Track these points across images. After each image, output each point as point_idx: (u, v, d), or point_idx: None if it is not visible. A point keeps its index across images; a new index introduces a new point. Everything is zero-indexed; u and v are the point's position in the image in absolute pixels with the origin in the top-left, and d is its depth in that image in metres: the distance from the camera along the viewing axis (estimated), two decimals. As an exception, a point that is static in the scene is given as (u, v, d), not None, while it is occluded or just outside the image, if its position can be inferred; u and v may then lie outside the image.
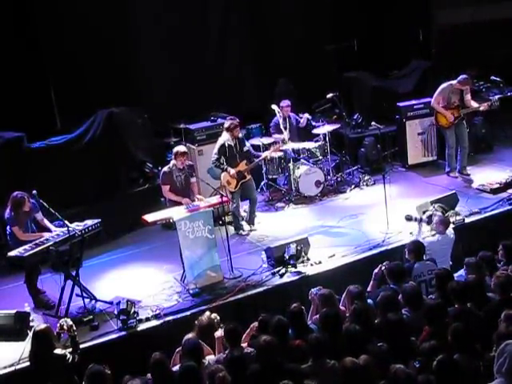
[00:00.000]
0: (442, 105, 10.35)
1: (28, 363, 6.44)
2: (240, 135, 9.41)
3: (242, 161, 9.33)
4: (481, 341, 5.41)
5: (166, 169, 8.66)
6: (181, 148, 8.70)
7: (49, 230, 7.79)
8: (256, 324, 6.38)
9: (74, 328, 6.42)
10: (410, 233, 8.41)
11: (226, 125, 9.36)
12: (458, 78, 10.20)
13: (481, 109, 10.35)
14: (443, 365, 5.02)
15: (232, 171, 9.19)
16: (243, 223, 9.55)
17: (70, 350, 6.34)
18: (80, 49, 10.49)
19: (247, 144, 9.68)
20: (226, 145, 9.18)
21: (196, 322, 6.61)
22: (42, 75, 10.46)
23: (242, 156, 9.36)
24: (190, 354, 5.78)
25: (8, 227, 7.77)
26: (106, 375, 5.61)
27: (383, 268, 7.09)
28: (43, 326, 6.38)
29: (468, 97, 10.35)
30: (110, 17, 10.70)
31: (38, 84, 10.40)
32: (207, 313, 6.70)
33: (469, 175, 10.36)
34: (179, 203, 8.35)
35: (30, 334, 6.44)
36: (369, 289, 7.06)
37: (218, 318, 6.65)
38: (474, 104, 10.36)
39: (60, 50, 10.45)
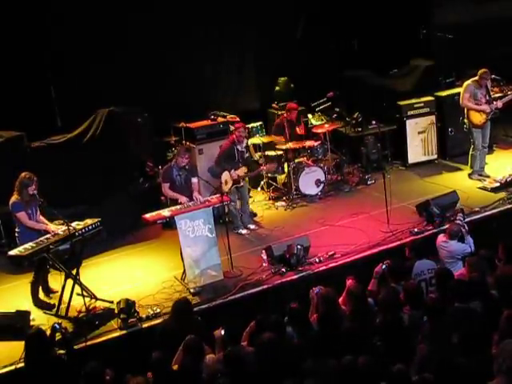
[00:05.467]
0: (472, 102, 10.12)
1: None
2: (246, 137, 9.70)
3: (242, 166, 9.50)
4: (481, 339, 5.40)
5: (166, 166, 8.70)
6: (184, 146, 8.77)
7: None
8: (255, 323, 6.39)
9: (68, 329, 6.46)
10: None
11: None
12: (479, 72, 10.03)
13: (499, 106, 10.15)
14: (443, 364, 5.03)
15: (234, 173, 9.35)
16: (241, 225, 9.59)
17: (64, 351, 6.37)
18: (80, 47, 10.47)
19: (248, 152, 9.83)
20: (235, 150, 9.40)
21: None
22: (43, 74, 10.44)
23: (244, 162, 9.54)
24: (190, 353, 5.79)
25: (16, 223, 7.69)
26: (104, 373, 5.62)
27: (384, 267, 7.09)
28: (35, 329, 6.40)
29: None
30: (111, 16, 10.68)
31: (38, 83, 10.39)
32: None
33: (489, 176, 10.20)
34: (177, 201, 8.31)
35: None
36: (370, 287, 7.06)
37: None
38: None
39: (60, 48, 10.43)
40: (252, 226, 9.59)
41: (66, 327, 6.86)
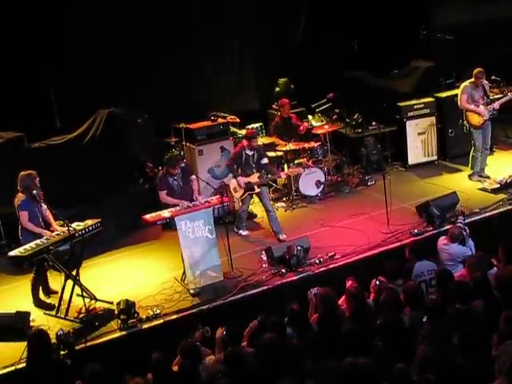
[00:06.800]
0: (470, 103, 10.12)
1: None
2: (259, 145, 9.42)
3: (256, 172, 9.27)
4: (482, 340, 5.40)
5: (160, 174, 8.54)
6: (172, 159, 8.49)
7: (50, 225, 7.82)
8: (255, 323, 6.39)
9: (70, 333, 6.59)
10: None
11: (244, 132, 9.54)
12: (474, 72, 10.05)
13: (495, 107, 10.12)
14: (444, 365, 5.03)
15: (241, 180, 9.19)
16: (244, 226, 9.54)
17: (66, 352, 6.40)
18: (80, 48, 10.46)
19: (266, 158, 9.48)
20: (244, 154, 9.21)
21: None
22: (42, 74, 10.43)
23: (258, 168, 9.30)
24: (187, 355, 5.80)
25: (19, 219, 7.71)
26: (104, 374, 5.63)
27: (377, 282, 7.03)
28: (36, 329, 6.41)
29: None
30: (111, 16, 10.67)
31: (37, 83, 10.38)
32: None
33: (489, 177, 10.21)
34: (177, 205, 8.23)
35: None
36: (371, 299, 7.00)
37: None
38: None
39: (60, 49, 10.43)
40: (282, 236, 9.09)
41: (69, 331, 6.88)
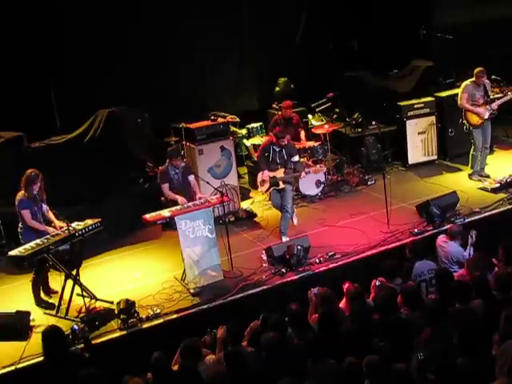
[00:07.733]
0: (470, 103, 10.13)
1: (30, 362, 6.58)
2: (286, 144, 9.10)
3: (281, 168, 9.08)
4: (482, 340, 5.40)
5: (161, 168, 8.66)
6: (174, 150, 8.78)
7: (52, 223, 7.82)
8: (256, 323, 6.39)
9: (86, 327, 6.75)
10: None
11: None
12: (475, 71, 10.04)
13: (494, 108, 10.10)
14: (443, 367, 5.03)
15: (266, 173, 9.08)
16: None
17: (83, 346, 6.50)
18: (80, 49, 10.48)
19: (297, 156, 9.24)
20: (271, 149, 9.06)
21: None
22: (42, 75, 10.44)
23: (284, 164, 9.07)
24: (187, 354, 5.80)
25: (19, 218, 7.71)
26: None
27: (378, 283, 7.02)
28: (51, 325, 6.43)
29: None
30: (110, 16, 10.69)
31: (37, 84, 10.39)
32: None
33: (489, 176, 10.21)
34: (176, 202, 8.27)
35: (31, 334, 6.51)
36: (370, 299, 7.00)
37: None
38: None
39: (60, 49, 10.44)
40: (285, 239, 8.90)
41: (84, 325, 6.94)
